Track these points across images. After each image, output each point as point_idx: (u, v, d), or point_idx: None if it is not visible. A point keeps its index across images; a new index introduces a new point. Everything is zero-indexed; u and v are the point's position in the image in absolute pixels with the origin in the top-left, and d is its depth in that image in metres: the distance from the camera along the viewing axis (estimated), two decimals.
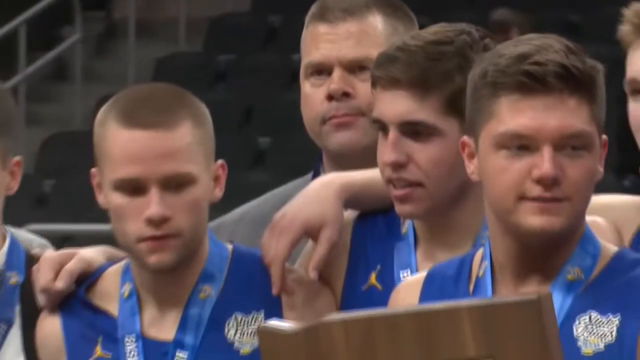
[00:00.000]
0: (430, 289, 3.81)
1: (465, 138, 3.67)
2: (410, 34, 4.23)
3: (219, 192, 4.08)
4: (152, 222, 3.96)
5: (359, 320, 3.62)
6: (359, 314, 3.67)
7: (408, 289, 3.83)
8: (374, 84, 4.06)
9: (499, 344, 3.55)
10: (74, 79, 18.77)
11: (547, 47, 3.63)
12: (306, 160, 5.39)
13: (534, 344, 3.48)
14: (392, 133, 3.97)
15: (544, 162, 3.52)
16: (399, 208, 3.97)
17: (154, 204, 3.96)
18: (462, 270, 3.79)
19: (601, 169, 3.66)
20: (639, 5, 4.21)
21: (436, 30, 4.05)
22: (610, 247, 3.80)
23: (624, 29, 4.18)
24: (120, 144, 4.03)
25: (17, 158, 4.54)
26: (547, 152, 3.56)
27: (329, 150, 4.67)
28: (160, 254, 4.03)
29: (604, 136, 3.94)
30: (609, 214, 4.16)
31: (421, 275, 3.84)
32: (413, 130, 3.94)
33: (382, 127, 4.02)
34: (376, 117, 4.02)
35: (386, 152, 4.00)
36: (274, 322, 3.58)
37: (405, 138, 3.96)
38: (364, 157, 4.41)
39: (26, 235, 4.89)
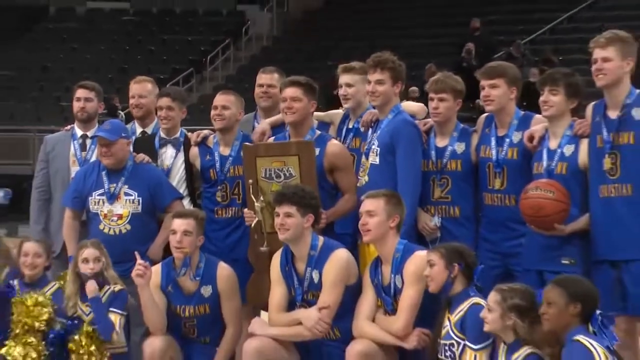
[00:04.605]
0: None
1: None
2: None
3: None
4: None
5: (270, 143, 6.32)
6: (271, 142, 6.32)
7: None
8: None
9: (301, 152, 6.04)
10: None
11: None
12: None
13: (309, 154, 6.04)
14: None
15: None
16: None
17: None
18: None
19: None
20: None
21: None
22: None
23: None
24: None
25: (184, 109, 6.88)
26: None
27: (260, 107, 7.04)
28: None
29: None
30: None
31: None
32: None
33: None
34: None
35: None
36: (248, 143, 6.30)
37: None
38: (270, 111, 6.85)
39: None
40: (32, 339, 6.01)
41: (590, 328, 4.72)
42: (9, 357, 5.97)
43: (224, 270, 6.08)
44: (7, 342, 6.04)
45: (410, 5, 27.39)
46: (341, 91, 6.37)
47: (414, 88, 16.87)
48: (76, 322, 6.05)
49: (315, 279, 5.67)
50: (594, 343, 4.63)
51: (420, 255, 5.48)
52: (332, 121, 6.53)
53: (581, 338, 4.66)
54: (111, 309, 6.04)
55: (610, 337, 4.72)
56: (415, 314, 5.44)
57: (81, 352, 5.95)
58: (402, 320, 5.41)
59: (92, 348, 5.93)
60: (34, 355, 5.97)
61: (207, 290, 6.05)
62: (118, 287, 6.10)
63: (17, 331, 6.02)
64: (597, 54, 5.45)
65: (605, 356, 4.60)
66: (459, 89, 6.11)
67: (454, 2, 26.66)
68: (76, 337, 5.98)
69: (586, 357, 4.57)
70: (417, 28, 25.91)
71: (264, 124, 6.70)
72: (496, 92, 5.90)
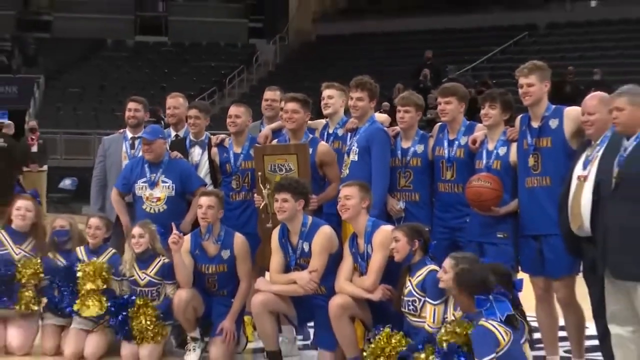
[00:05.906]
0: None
1: None
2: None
3: None
4: None
5: (275, 145, 6.16)
6: (276, 144, 6.15)
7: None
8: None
9: (298, 151, 5.92)
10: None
11: None
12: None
13: (305, 153, 5.92)
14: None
15: None
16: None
17: None
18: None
19: None
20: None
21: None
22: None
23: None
24: None
25: (208, 118, 6.64)
26: None
27: (265, 115, 6.86)
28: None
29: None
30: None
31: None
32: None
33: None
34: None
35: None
36: (258, 145, 6.13)
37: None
38: (273, 119, 6.75)
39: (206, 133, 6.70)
40: (98, 293, 5.93)
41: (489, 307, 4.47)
42: (83, 311, 5.85)
43: (239, 238, 5.95)
44: (77, 301, 5.91)
45: (383, 40, 27.42)
46: (323, 102, 6.25)
47: (386, 103, 16.84)
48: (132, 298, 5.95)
49: (306, 249, 5.58)
50: (495, 324, 4.39)
51: (384, 228, 5.39)
52: (316, 128, 6.39)
53: (483, 321, 4.43)
54: (166, 282, 5.95)
55: (509, 300, 4.51)
56: (381, 275, 5.34)
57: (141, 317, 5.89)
58: (371, 279, 5.33)
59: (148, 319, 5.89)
60: (102, 304, 5.92)
61: (226, 254, 5.91)
62: (166, 260, 5.94)
63: (88, 287, 5.89)
64: (522, 80, 5.34)
65: (506, 333, 4.37)
66: (420, 103, 6.02)
67: (414, 37, 26.77)
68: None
69: (489, 337, 4.34)
70: (387, 58, 25.91)
71: (267, 129, 6.56)
72: (449, 107, 5.82)
